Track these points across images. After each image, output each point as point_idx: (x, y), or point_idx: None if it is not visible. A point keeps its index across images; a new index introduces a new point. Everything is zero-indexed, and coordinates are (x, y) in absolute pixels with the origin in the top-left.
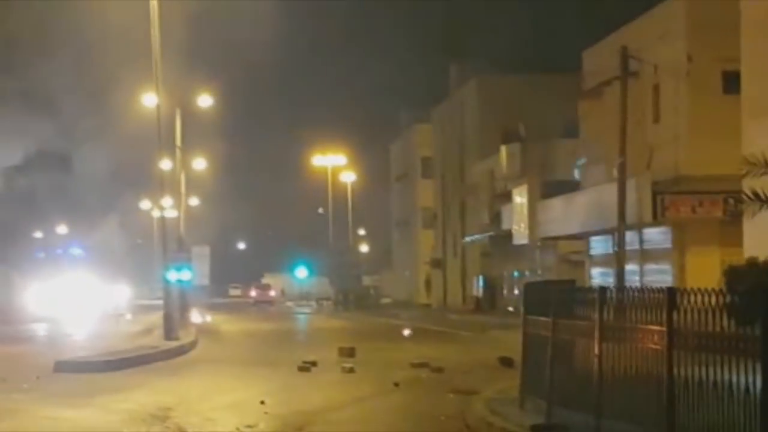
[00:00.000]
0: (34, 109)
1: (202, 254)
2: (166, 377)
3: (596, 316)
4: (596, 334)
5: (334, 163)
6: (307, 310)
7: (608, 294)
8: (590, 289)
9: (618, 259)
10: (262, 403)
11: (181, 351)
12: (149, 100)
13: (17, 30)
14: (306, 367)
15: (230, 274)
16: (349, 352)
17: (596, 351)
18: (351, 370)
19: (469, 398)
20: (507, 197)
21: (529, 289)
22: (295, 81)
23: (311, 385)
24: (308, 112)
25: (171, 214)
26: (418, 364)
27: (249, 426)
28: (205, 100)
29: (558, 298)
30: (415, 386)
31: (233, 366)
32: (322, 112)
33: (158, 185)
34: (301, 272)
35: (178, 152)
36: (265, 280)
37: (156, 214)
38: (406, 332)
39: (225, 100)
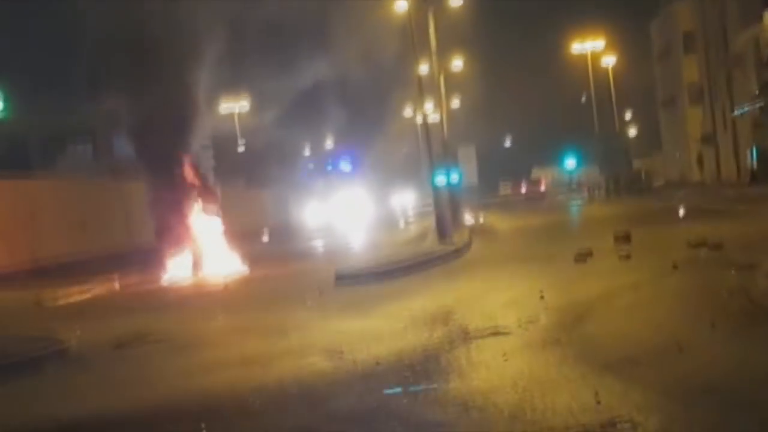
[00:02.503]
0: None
1: (468, 155)
2: (444, 281)
3: None
4: None
5: (592, 49)
6: (578, 200)
7: None
8: None
9: None
10: (541, 297)
11: (456, 253)
12: (400, 5)
13: None
14: (581, 257)
15: (499, 172)
16: (625, 239)
17: None
18: (627, 256)
19: (752, 273)
20: None
21: None
22: None
23: (588, 275)
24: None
25: (434, 119)
26: (695, 243)
27: (530, 320)
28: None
29: None
30: (694, 266)
31: (508, 263)
32: None
33: (417, 91)
34: (570, 163)
35: (433, 56)
36: (534, 175)
37: (419, 119)
38: (681, 212)
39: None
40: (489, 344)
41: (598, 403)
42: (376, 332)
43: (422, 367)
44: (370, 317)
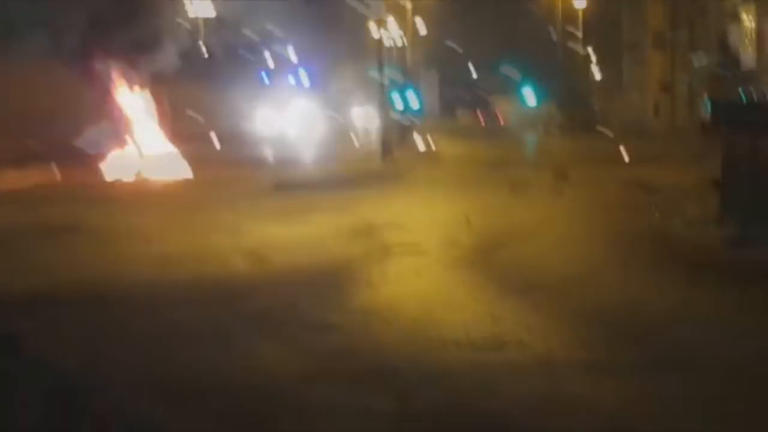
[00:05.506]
0: None
1: (430, 80)
2: (379, 197)
3: None
4: None
5: None
6: (533, 133)
7: None
8: None
9: None
10: (467, 221)
11: (398, 173)
12: None
13: None
14: (517, 188)
15: (459, 100)
16: (562, 174)
17: None
18: (561, 192)
19: (675, 219)
20: (737, 18)
21: (727, 109)
22: None
23: (519, 205)
24: None
25: (401, 42)
26: (631, 185)
27: (451, 242)
28: None
29: (758, 117)
30: (625, 207)
31: (447, 187)
32: None
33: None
34: (530, 96)
35: None
36: (492, 105)
37: (385, 42)
38: (627, 154)
39: None
40: (406, 260)
41: (494, 322)
42: (301, 239)
43: (337, 275)
44: (299, 224)
